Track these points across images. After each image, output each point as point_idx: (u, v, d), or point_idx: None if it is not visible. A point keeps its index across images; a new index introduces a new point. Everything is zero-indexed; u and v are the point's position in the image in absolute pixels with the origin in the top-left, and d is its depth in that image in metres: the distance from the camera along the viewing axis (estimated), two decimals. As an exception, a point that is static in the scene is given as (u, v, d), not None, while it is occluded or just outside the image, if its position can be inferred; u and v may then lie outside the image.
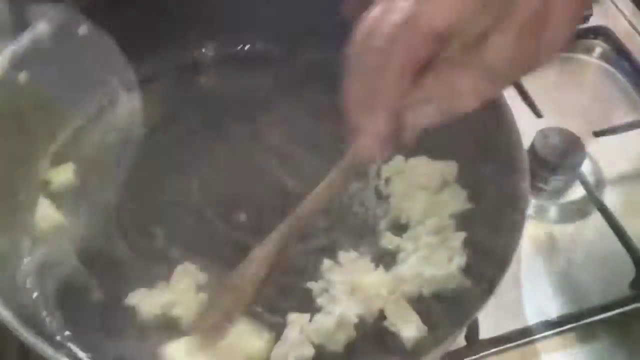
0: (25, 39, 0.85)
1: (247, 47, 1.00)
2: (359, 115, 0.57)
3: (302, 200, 0.68)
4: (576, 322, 0.82)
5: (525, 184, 0.76)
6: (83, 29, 0.89)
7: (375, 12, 0.54)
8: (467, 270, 0.78)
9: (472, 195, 0.84)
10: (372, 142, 0.58)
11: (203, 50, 0.99)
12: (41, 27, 0.86)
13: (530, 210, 0.92)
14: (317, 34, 0.92)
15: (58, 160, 0.88)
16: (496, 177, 0.80)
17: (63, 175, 0.86)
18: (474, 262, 0.78)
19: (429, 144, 0.86)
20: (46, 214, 0.82)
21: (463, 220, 0.83)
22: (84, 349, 0.73)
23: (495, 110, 0.81)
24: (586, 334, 0.82)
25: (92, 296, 0.77)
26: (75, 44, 0.88)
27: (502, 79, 0.55)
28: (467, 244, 0.80)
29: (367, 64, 0.55)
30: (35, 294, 0.76)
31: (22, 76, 0.85)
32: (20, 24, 0.94)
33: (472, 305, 0.69)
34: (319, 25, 0.90)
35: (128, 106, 0.94)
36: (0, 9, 1.03)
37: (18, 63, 0.84)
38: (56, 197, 0.85)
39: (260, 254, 0.68)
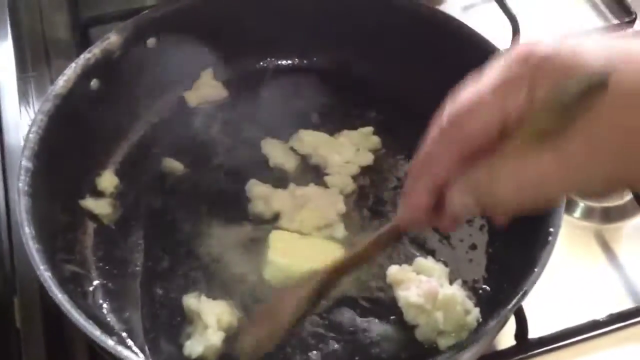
0: (97, 48, 0.86)
1: (305, 61, 1.00)
2: (409, 181, 0.59)
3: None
4: (624, 321, 0.81)
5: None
6: (151, 41, 0.90)
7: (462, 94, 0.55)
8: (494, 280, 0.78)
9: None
10: (410, 211, 0.59)
11: (264, 63, 1.00)
12: (112, 38, 0.86)
13: (577, 213, 0.91)
14: (370, 53, 0.93)
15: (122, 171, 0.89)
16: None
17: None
18: (503, 274, 0.77)
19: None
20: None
21: (494, 230, 0.82)
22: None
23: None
24: (635, 334, 0.80)
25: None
26: (144, 55, 0.89)
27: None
28: (495, 253, 0.81)
29: (431, 138, 0.56)
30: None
31: (94, 83, 0.85)
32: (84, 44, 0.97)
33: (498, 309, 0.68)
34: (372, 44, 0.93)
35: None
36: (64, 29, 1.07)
37: (89, 71, 0.85)
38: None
39: (295, 295, 0.67)
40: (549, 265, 0.69)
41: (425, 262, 0.79)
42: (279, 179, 0.88)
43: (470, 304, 0.76)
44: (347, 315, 0.77)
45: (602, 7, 1.16)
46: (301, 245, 0.81)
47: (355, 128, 0.93)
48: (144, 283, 0.80)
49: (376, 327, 0.76)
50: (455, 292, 0.75)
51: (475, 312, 0.75)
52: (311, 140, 0.91)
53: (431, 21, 0.91)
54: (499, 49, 0.87)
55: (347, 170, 0.89)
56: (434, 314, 0.74)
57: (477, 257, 0.82)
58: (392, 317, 0.77)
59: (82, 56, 0.85)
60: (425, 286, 0.76)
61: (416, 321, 0.75)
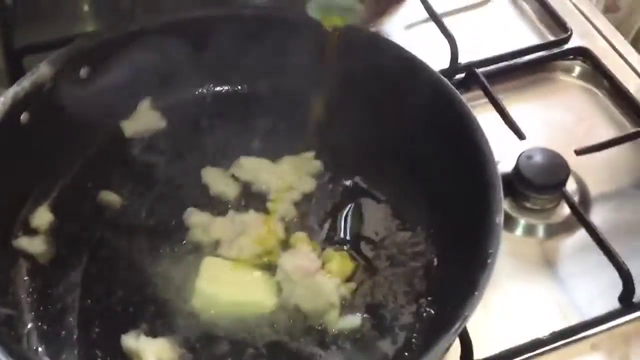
0: (26, 81, 0.83)
1: (244, 86, 0.99)
2: None
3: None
4: (567, 338, 0.81)
5: (499, 218, 0.73)
6: (85, 71, 0.87)
7: None
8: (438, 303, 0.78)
9: (447, 227, 0.83)
10: None
11: (202, 90, 0.98)
12: (42, 69, 0.84)
13: (519, 230, 0.92)
14: (308, 78, 0.93)
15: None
16: (470, 210, 0.78)
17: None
18: (446, 296, 0.76)
19: (401, 180, 0.89)
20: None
21: (437, 252, 0.83)
22: None
23: (473, 145, 0.80)
24: (578, 350, 0.81)
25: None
26: (77, 86, 0.86)
27: None
28: (439, 276, 0.80)
29: None
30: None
31: (24, 117, 0.83)
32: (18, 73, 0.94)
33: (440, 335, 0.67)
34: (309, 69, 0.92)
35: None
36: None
37: (19, 105, 0.82)
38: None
39: None
40: (492, 284, 0.69)
41: (334, 254, 0.81)
42: (220, 208, 0.87)
43: (335, 305, 0.77)
44: (297, 346, 0.76)
45: (538, 24, 1.18)
46: (232, 274, 0.80)
47: (297, 153, 0.92)
48: (81, 324, 0.77)
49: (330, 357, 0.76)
50: (328, 287, 0.77)
51: (334, 315, 0.77)
52: (252, 167, 0.90)
53: (367, 44, 0.91)
54: (433, 71, 0.87)
55: (288, 196, 0.88)
56: (295, 288, 0.77)
57: (420, 280, 0.81)
58: (346, 347, 0.76)
59: (10, 90, 0.81)
60: (303, 262, 0.79)
61: (280, 285, 0.79)
